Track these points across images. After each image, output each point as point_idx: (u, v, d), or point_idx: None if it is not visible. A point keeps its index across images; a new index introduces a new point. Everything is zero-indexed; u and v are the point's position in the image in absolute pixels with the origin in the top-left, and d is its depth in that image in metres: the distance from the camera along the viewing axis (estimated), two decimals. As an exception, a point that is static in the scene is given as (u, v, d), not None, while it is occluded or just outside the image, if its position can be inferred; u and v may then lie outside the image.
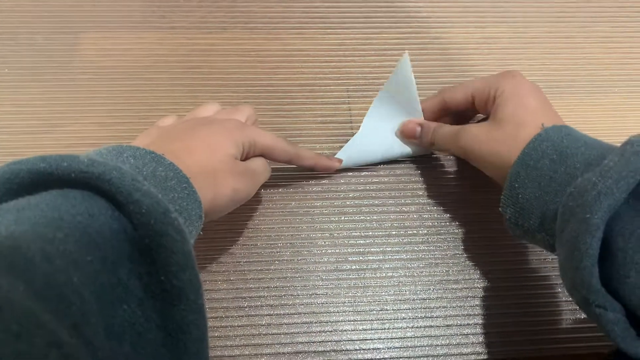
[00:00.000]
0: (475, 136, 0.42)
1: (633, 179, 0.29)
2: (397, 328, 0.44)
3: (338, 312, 0.45)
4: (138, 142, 0.40)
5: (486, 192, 0.50)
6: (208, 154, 0.37)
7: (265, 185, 0.49)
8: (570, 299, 0.45)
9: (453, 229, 0.48)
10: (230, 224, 0.47)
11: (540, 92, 0.43)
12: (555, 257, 0.47)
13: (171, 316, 0.26)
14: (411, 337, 0.44)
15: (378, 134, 0.49)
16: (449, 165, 0.51)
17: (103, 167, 0.26)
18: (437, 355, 0.43)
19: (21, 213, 0.24)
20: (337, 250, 0.47)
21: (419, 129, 0.48)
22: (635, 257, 0.29)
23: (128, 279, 0.26)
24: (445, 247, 0.47)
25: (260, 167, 0.43)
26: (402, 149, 0.50)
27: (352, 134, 0.51)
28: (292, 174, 0.50)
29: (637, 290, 0.28)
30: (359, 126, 0.51)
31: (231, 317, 0.44)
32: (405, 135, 0.49)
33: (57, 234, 0.24)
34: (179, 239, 0.26)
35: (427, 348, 0.43)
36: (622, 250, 0.29)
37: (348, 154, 0.49)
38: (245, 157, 0.42)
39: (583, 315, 0.45)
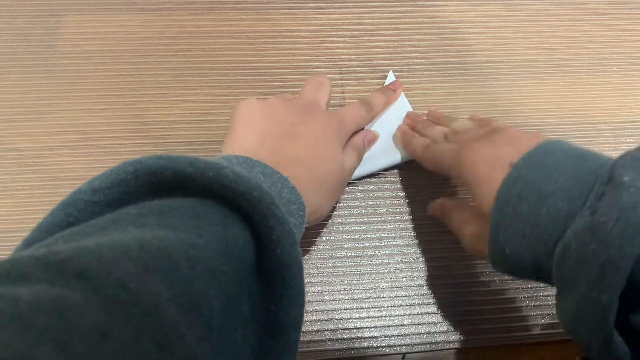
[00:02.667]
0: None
1: (639, 240, 0.24)
2: (394, 315, 0.43)
3: (334, 300, 0.44)
4: (252, 126, 0.40)
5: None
6: (328, 168, 0.39)
7: (257, 172, 0.48)
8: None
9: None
10: (222, 212, 0.46)
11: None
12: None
13: (268, 348, 0.26)
14: (408, 325, 0.43)
15: (376, 145, 0.48)
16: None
17: (245, 186, 0.25)
18: (435, 342, 0.43)
19: (163, 217, 0.24)
20: (332, 237, 0.46)
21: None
22: None
23: (244, 294, 0.26)
24: (442, 232, 0.46)
25: (354, 164, 0.45)
26: (399, 156, 0.49)
27: (346, 118, 0.50)
28: (284, 159, 0.48)
29: None
30: None
31: (225, 307, 0.43)
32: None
33: (198, 240, 0.23)
34: (297, 274, 0.26)
35: (424, 335, 0.43)
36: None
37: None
38: None
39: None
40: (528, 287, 0.45)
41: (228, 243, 0.25)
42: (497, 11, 0.57)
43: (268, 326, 0.26)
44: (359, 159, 0.45)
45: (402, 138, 0.48)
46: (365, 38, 0.55)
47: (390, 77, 0.52)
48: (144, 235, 0.22)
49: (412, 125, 0.49)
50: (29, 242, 0.24)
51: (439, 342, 0.43)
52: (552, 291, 0.44)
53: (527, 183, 0.31)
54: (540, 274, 0.31)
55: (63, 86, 0.51)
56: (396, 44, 0.55)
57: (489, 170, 0.34)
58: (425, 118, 0.49)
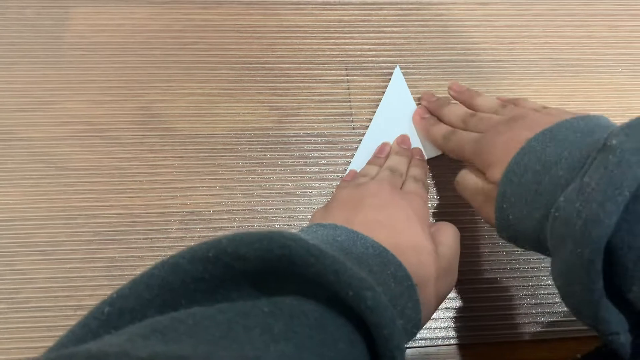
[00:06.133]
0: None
1: (621, 197, 0.25)
2: (396, 310, 0.44)
3: (336, 295, 0.44)
4: (335, 215, 0.38)
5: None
6: (428, 255, 0.35)
7: (262, 166, 0.48)
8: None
9: (449, 212, 0.48)
10: (227, 205, 0.47)
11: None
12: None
13: None
14: (409, 320, 0.43)
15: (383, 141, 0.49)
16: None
17: (380, 318, 0.24)
18: (436, 338, 0.43)
19: (293, 323, 0.23)
20: (335, 232, 0.46)
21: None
22: (635, 271, 0.26)
23: None
24: (444, 229, 0.47)
25: (455, 244, 0.39)
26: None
27: (351, 113, 0.51)
28: (290, 154, 0.49)
29: None
30: (358, 105, 0.51)
31: (228, 299, 0.43)
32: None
33: None
34: None
35: (425, 330, 0.43)
36: (621, 264, 0.26)
37: (357, 163, 0.48)
38: None
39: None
40: (529, 285, 0.45)
41: None
42: (504, 10, 0.58)
43: None
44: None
45: (420, 125, 0.48)
46: (372, 35, 0.55)
47: (397, 73, 0.52)
48: (266, 356, 0.21)
49: (429, 107, 0.49)
50: (136, 302, 0.23)
51: (439, 338, 0.43)
52: (553, 289, 0.45)
53: (535, 154, 0.33)
54: (539, 241, 0.32)
55: (71, 77, 0.51)
56: (402, 41, 0.55)
57: (504, 150, 0.35)
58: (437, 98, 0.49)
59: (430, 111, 0.49)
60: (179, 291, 0.23)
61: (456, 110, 0.45)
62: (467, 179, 0.40)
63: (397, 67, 0.53)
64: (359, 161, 0.48)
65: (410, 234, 0.35)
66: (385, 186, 0.40)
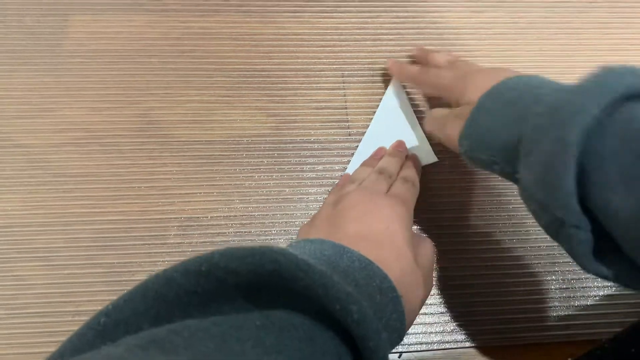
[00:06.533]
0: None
1: (610, 96, 0.27)
2: (392, 315, 0.44)
3: (332, 300, 0.44)
4: (323, 228, 0.38)
5: (483, 180, 0.49)
6: (410, 264, 0.35)
7: (260, 172, 0.48)
8: (565, 285, 0.45)
9: (449, 217, 0.48)
10: (225, 211, 0.47)
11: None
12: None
13: None
14: (405, 325, 0.44)
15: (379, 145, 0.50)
16: (445, 154, 0.51)
17: (365, 332, 0.25)
18: (431, 342, 0.43)
19: (282, 335, 0.24)
20: (331, 238, 0.46)
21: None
22: (603, 177, 0.27)
23: None
24: (440, 235, 0.47)
25: (432, 256, 0.40)
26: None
27: (347, 120, 0.51)
28: (287, 160, 0.49)
29: (608, 210, 0.27)
30: (354, 112, 0.52)
31: (225, 304, 0.43)
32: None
33: None
34: None
35: (420, 335, 0.43)
36: (594, 171, 0.28)
37: (353, 170, 0.49)
38: None
39: (576, 303, 0.45)
40: (521, 290, 0.45)
41: None
42: (499, 18, 0.58)
43: None
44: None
45: (394, 67, 0.52)
46: (368, 42, 0.56)
47: (395, 80, 0.52)
48: None
49: (418, 55, 0.53)
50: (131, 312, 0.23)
51: (434, 342, 0.43)
52: (546, 294, 0.45)
53: (522, 80, 0.36)
54: (503, 150, 0.34)
55: (69, 84, 0.51)
56: (398, 48, 0.56)
57: (485, 80, 0.38)
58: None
59: (419, 59, 0.52)
60: (172, 303, 0.24)
61: (444, 55, 0.49)
62: (437, 111, 0.44)
63: (393, 79, 0.53)
64: (355, 167, 0.49)
65: (392, 245, 0.35)
66: (365, 196, 0.39)
